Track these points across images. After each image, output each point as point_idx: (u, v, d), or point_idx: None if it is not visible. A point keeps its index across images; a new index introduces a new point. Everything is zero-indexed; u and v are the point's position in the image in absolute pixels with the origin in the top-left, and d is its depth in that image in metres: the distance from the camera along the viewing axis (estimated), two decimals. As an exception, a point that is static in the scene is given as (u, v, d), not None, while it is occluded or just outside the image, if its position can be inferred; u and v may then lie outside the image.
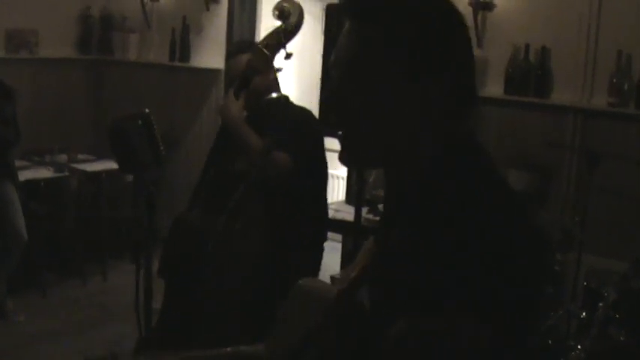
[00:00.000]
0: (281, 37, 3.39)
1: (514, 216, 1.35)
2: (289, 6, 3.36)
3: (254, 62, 3.46)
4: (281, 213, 3.50)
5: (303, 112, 3.76)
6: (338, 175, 7.79)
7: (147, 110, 2.36)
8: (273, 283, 3.28)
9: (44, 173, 6.45)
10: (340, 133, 1.45)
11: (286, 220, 3.49)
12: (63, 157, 6.82)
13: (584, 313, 4.23)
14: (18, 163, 6.04)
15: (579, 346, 3.99)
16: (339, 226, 5.23)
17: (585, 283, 4.35)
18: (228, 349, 1.86)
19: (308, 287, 1.74)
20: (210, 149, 3.82)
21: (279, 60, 3.57)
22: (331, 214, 5.34)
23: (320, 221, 3.89)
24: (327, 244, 3.92)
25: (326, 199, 3.94)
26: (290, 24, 3.38)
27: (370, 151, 1.45)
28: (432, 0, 1.41)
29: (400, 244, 1.40)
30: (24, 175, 6.07)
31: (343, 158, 1.47)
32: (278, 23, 3.47)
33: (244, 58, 3.70)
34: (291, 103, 3.75)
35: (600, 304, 4.05)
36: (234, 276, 3.28)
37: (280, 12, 3.37)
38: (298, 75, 8.16)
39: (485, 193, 1.35)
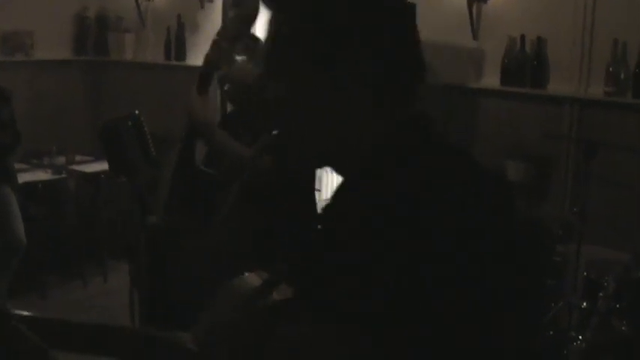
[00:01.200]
0: (237, 26, 3.29)
1: (488, 188, 1.31)
2: None
3: (211, 57, 3.38)
4: (267, 215, 3.48)
5: None
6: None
7: (137, 112, 2.34)
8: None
9: (42, 175, 6.45)
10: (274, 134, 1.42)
11: (273, 220, 3.45)
12: (61, 159, 6.81)
13: (584, 304, 4.22)
14: (16, 165, 6.03)
15: (580, 337, 3.99)
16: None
17: (585, 274, 4.34)
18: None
19: (243, 280, 1.66)
20: (180, 150, 3.76)
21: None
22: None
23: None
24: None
25: (314, 199, 3.93)
26: (245, 10, 3.29)
27: (313, 148, 1.40)
28: None
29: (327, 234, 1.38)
30: (22, 178, 6.06)
31: (292, 160, 1.47)
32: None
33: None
34: None
35: (601, 295, 4.04)
36: (216, 278, 3.24)
37: None
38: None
39: (432, 169, 1.28)
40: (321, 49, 1.30)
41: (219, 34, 3.38)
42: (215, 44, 3.34)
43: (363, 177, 1.34)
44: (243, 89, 3.62)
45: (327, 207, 1.45)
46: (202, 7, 6.90)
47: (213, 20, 6.86)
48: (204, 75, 3.36)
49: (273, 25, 1.36)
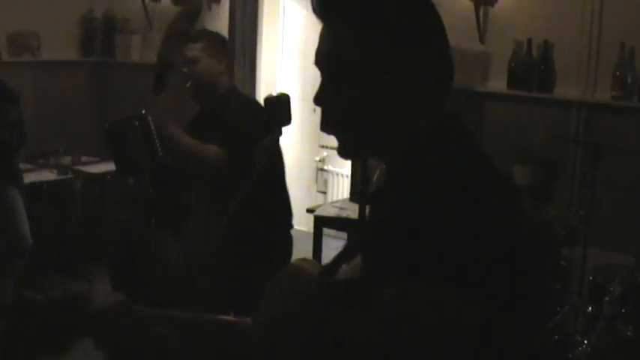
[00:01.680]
0: (182, 23, 3.31)
1: (500, 190, 1.41)
2: None
3: (162, 56, 3.40)
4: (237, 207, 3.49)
5: (246, 107, 3.81)
6: (342, 173, 7.79)
7: (143, 111, 2.34)
8: (237, 281, 3.24)
9: (48, 176, 6.45)
10: (333, 130, 1.51)
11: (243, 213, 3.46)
12: (67, 160, 6.81)
13: (590, 308, 4.22)
14: (22, 166, 6.04)
15: (586, 342, 3.98)
16: (343, 223, 5.22)
17: (591, 278, 4.33)
18: (215, 316, 1.87)
19: (297, 266, 1.76)
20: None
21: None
22: (335, 212, 5.35)
23: (283, 211, 3.89)
24: (332, 242, 3.95)
25: (286, 189, 3.95)
26: (188, 7, 3.31)
27: (364, 141, 1.51)
28: None
29: (388, 219, 1.43)
30: (28, 178, 6.07)
31: (342, 152, 1.53)
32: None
33: (198, 45, 3.72)
34: (237, 96, 3.77)
35: (606, 299, 4.03)
36: (194, 278, 3.23)
37: None
38: (302, 71, 8.15)
39: (471, 170, 1.40)
40: (380, 54, 1.42)
41: (166, 31, 3.39)
42: (163, 43, 3.36)
43: (402, 167, 1.47)
44: (205, 85, 3.70)
45: (375, 194, 1.58)
46: (209, 8, 6.90)
47: (219, 22, 6.88)
48: (158, 73, 3.39)
49: (329, 33, 1.47)
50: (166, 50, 3.32)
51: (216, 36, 3.96)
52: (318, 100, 1.50)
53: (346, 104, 1.46)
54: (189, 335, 1.76)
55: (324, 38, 1.47)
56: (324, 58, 1.48)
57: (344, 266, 1.62)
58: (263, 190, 3.80)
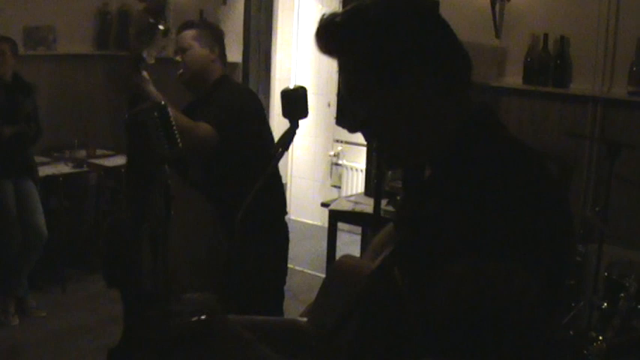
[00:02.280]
0: (149, 18, 3.32)
1: (539, 179, 1.46)
2: None
3: (135, 50, 3.41)
4: (225, 195, 3.51)
5: (237, 92, 3.87)
6: (357, 168, 7.80)
7: (163, 102, 2.35)
8: (231, 267, 3.23)
9: (63, 169, 6.48)
10: (374, 145, 1.64)
11: (232, 200, 3.46)
12: (82, 153, 6.84)
13: (605, 304, 4.21)
14: (37, 159, 6.08)
15: (601, 338, 3.97)
16: (358, 217, 5.23)
17: (606, 274, 4.32)
18: (276, 317, 1.94)
19: (346, 263, 1.84)
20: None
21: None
22: (350, 206, 5.35)
23: (275, 198, 3.90)
24: (347, 236, 3.97)
25: (280, 179, 3.97)
26: (153, 2, 3.32)
27: (409, 150, 1.58)
28: (391, 10, 1.53)
29: (435, 219, 1.48)
30: (43, 171, 6.10)
31: (390, 165, 1.73)
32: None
33: (190, 33, 3.75)
34: (229, 84, 3.80)
35: (622, 295, 4.02)
36: (185, 268, 3.22)
37: None
38: (317, 66, 8.16)
39: (508, 161, 1.47)
40: (383, 74, 1.51)
41: (132, 28, 3.45)
42: (132, 39, 3.42)
43: (447, 166, 1.53)
44: (197, 73, 3.78)
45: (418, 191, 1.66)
46: (224, 2, 6.91)
47: (235, 16, 6.89)
48: (131, 69, 3.42)
49: (340, 66, 1.58)
50: (135, 46, 3.36)
51: (208, 25, 4.00)
52: (357, 128, 1.59)
53: (378, 126, 1.56)
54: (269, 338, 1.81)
55: (339, 71, 1.58)
56: (344, 89, 1.59)
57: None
58: (274, 180, 3.83)
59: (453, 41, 1.57)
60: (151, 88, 3.46)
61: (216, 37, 3.88)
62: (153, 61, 3.42)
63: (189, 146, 2.99)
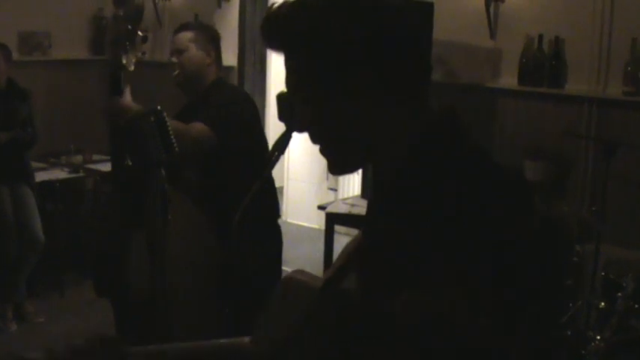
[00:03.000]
0: (127, 26, 3.30)
1: (495, 184, 1.37)
2: None
3: (115, 59, 3.40)
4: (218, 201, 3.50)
5: (233, 92, 3.91)
6: (353, 171, 7.78)
7: (159, 107, 2.35)
8: (228, 270, 3.22)
9: (60, 174, 6.47)
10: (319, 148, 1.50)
11: (226, 204, 3.44)
12: (78, 158, 6.84)
13: (602, 304, 4.21)
14: (34, 164, 6.07)
15: (599, 337, 3.97)
16: (355, 220, 5.22)
17: (604, 274, 4.33)
18: (212, 341, 1.86)
19: (295, 279, 1.76)
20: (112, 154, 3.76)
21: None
22: (347, 208, 5.35)
23: (269, 202, 3.91)
24: (344, 239, 3.95)
25: (273, 182, 3.97)
26: (130, 9, 3.30)
27: (352, 157, 1.51)
28: (338, 13, 1.41)
29: (388, 230, 1.43)
30: (40, 177, 6.09)
31: (334, 170, 1.54)
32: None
33: (187, 35, 3.76)
34: (224, 85, 3.81)
35: (619, 295, 4.02)
36: (181, 272, 3.20)
37: None
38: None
39: (464, 170, 1.37)
40: (331, 77, 1.41)
41: (111, 34, 3.43)
42: (111, 45, 3.41)
43: (400, 175, 1.44)
44: (192, 75, 3.77)
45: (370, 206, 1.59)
46: (219, 6, 6.92)
47: (230, 20, 6.89)
48: (113, 76, 3.42)
49: (286, 65, 1.48)
50: (114, 53, 3.34)
51: (206, 28, 4.00)
52: (299, 127, 1.53)
53: (320, 128, 1.47)
54: None
55: (285, 70, 1.49)
56: (287, 87, 1.51)
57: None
58: (268, 184, 3.82)
59: (407, 45, 1.44)
60: (132, 105, 3.44)
61: (212, 40, 3.88)
62: (132, 68, 3.40)
63: (185, 148, 2.99)
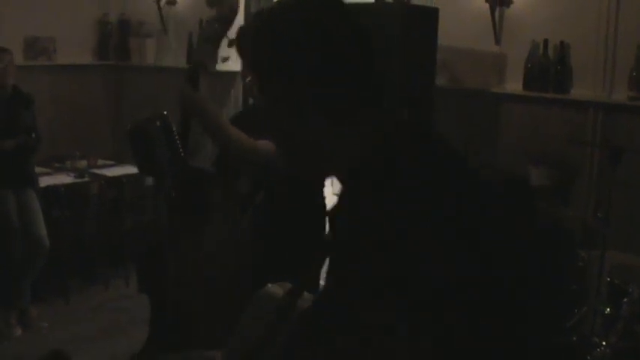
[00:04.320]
0: (216, 27, 3.31)
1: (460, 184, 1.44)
2: None
3: (198, 57, 3.41)
4: (273, 209, 3.48)
5: None
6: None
7: (165, 112, 2.35)
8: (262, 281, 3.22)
9: (65, 179, 6.47)
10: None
11: (279, 216, 3.43)
12: (83, 163, 6.84)
13: (608, 310, 4.19)
14: (38, 169, 6.07)
15: (604, 343, 3.96)
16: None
17: (609, 280, 4.31)
18: (182, 354, 1.88)
19: (268, 292, 1.79)
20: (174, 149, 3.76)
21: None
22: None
23: (317, 216, 3.88)
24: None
25: (323, 195, 3.94)
26: (223, 11, 3.31)
27: (305, 167, 1.61)
28: (300, 39, 1.47)
29: (351, 234, 1.44)
30: (45, 182, 6.09)
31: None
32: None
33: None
34: None
35: (625, 300, 4.01)
36: (216, 279, 3.21)
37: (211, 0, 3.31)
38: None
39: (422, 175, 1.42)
40: (288, 94, 1.48)
41: (200, 35, 3.40)
42: (199, 44, 3.38)
43: (361, 184, 1.46)
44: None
45: (333, 216, 1.60)
46: (224, 9, 6.90)
47: (235, 24, 6.87)
48: (190, 75, 3.40)
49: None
50: (200, 54, 3.32)
51: None
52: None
53: (278, 135, 1.57)
54: None
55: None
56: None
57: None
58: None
59: (348, 73, 1.50)
60: (206, 106, 3.41)
61: None
62: (213, 70, 3.37)
63: (254, 164, 2.99)
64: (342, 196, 1.55)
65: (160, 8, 7.28)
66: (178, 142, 2.34)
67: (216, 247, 3.15)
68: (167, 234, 3.08)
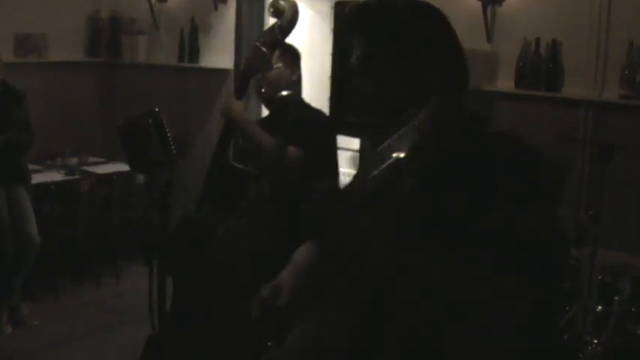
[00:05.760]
0: (277, 34, 3.40)
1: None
2: (284, 3, 3.37)
3: (252, 61, 3.49)
4: (292, 212, 3.48)
5: (317, 112, 3.85)
6: (351, 174, 7.78)
7: (157, 109, 2.34)
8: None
9: (55, 176, 6.46)
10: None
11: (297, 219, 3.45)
12: (74, 160, 6.82)
13: (599, 308, 4.21)
14: (30, 166, 6.05)
15: (595, 341, 3.97)
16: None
17: (600, 278, 4.32)
18: None
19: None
20: (215, 149, 3.84)
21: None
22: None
23: None
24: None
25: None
26: (285, 20, 3.38)
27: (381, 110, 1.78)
28: (407, 14, 1.81)
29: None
30: (35, 179, 6.07)
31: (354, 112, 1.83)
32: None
33: (275, 54, 3.79)
34: (305, 104, 3.83)
35: (616, 298, 4.02)
36: (241, 274, 3.26)
37: (275, 9, 3.39)
38: (308, 73, 8.13)
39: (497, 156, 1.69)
40: (400, 64, 1.76)
41: (258, 40, 3.49)
42: (255, 49, 3.46)
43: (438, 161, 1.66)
44: (277, 92, 3.80)
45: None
46: (216, 8, 6.90)
47: (226, 22, 6.88)
48: (242, 78, 3.48)
49: (359, 45, 1.80)
50: (255, 58, 3.43)
51: (291, 47, 4.00)
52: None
53: (369, 95, 1.77)
54: None
55: (356, 47, 1.80)
56: (356, 62, 1.79)
57: None
58: None
59: (454, 50, 1.88)
60: (249, 128, 3.50)
61: (297, 59, 3.93)
62: (265, 77, 3.57)
63: (278, 169, 3.05)
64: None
65: (151, 5, 7.27)
66: (170, 139, 2.34)
67: (251, 247, 3.21)
68: (202, 225, 3.14)
